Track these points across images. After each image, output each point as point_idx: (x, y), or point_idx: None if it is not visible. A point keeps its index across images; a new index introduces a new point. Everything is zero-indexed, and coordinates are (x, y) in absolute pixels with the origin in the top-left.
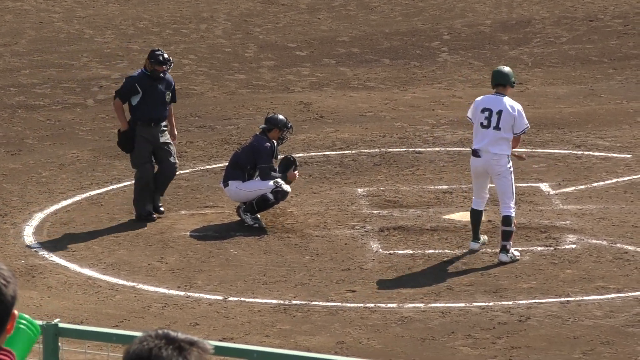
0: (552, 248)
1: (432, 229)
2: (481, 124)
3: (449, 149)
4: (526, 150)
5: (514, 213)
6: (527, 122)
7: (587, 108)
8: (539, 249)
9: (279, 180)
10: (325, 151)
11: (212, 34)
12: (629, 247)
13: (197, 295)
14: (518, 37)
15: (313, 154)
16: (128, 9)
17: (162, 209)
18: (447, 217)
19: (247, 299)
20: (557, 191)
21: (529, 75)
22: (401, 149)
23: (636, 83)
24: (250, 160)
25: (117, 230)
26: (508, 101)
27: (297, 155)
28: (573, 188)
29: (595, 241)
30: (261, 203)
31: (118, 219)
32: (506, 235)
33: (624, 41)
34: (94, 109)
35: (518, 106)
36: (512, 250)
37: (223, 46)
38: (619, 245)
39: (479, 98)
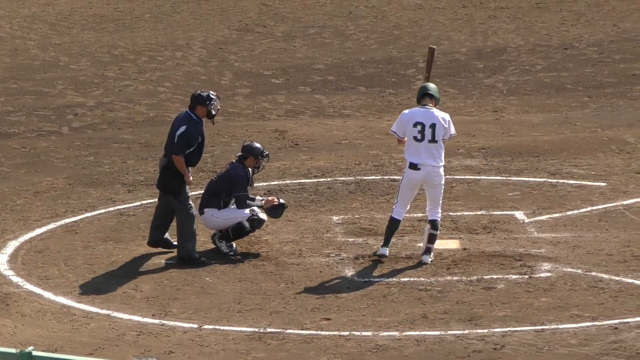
0: (527, 276)
1: (407, 257)
2: (414, 137)
3: None
4: (501, 178)
5: (440, 217)
6: (454, 130)
7: (562, 136)
8: (514, 277)
9: (255, 208)
10: (300, 179)
11: (187, 61)
12: (604, 275)
13: (171, 323)
14: (493, 65)
15: (288, 181)
16: (103, 37)
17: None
18: (421, 244)
19: (221, 327)
20: (532, 219)
21: (504, 103)
22: (376, 177)
23: (611, 111)
24: (225, 188)
25: (91, 258)
26: (438, 113)
27: (272, 183)
28: (548, 216)
29: (570, 269)
30: (237, 231)
31: (93, 247)
32: (433, 239)
33: (598, 69)
34: (69, 136)
35: (447, 117)
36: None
37: (198, 74)
38: (593, 273)
39: (406, 111)
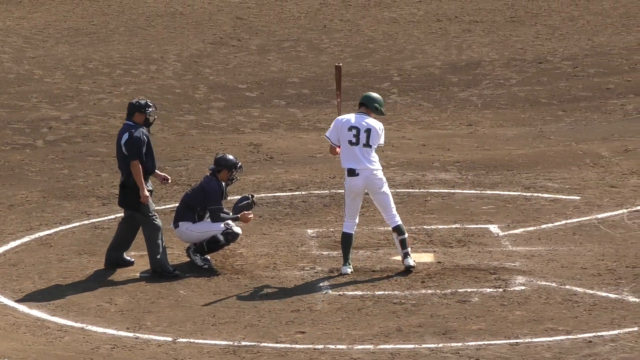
0: (501, 289)
1: (381, 270)
2: (349, 141)
3: (399, 190)
4: (476, 192)
5: (400, 220)
6: (383, 141)
7: (537, 150)
8: (488, 290)
9: (229, 222)
10: (275, 192)
11: (162, 74)
12: (578, 289)
13: (146, 336)
14: (468, 79)
15: (263, 195)
16: (78, 50)
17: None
18: (396, 258)
19: (196, 340)
20: (506, 233)
21: (478, 117)
22: None
23: (585, 125)
24: (200, 202)
25: (66, 271)
26: (373, 121)
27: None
28: (522, 229)
29: (544, 283)
30: (212, 244)
31: (67, 260)
32: (404, 243)
33: (573, 83)
34: (43, 149)
35: (381, 126)
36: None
37: (173, 87)
38: (568, 286)
39: (341, 117)
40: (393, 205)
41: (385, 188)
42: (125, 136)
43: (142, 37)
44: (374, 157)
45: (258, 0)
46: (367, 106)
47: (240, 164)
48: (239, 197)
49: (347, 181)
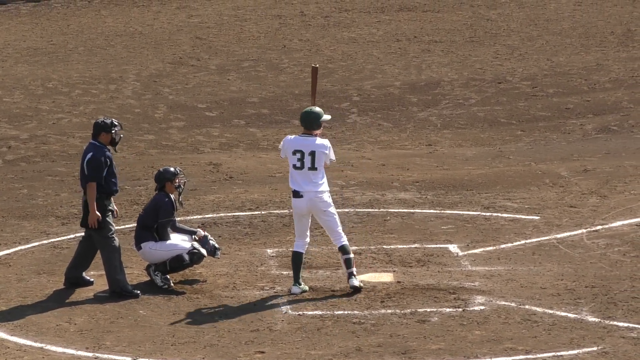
0: (460, 309)
1: (341, 290)
2: (294, 165)
3: (358, 210)
4: (435, 211)
5: (346, 240)
6: (334, 156)
7: (496, 169)
8: (448, 310)
9: (195, 243)
10: (234, 212)
11: (121, 94)
12: (537, 309)
13: (105, 356)
14: (427, 99)
15: (222, 214)
16: (37, 69)
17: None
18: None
19: None
20: (465, 252)
21: (437, 137)
22: None
23: (544, 145)
24: (155, 219)
25: (25, 291)
26: (318, 141)
27: (207, 216)
28: (482, 249)
29: (503, 302)
30: (175, 263)
31: (26, 280)
32: (350, 263)
33: (532, 103)
34: (2, 169)
35: (327, 143)
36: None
37: (132, 107)
38: (527, 306)
39: (289, 137)
40: (339, 225)
41: (330, 209)
42: (89, 155)
43: (101, 57)
44: (321, 178)
45: (217, 20)
46: (307, 127)
47: (178, 169)
48: (199, 217)
49: (293, 202)
